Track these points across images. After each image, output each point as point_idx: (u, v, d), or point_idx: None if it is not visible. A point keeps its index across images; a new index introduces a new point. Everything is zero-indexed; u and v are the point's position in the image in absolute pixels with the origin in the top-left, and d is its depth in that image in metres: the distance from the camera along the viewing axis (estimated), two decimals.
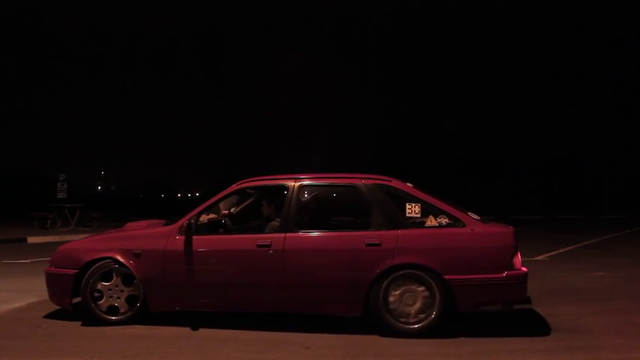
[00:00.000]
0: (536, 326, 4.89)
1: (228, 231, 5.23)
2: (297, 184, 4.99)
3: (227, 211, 5.62)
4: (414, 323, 4.62)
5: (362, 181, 4.96)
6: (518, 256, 4.69)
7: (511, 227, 4.85)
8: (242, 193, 5.50)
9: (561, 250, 11.01)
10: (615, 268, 8.42)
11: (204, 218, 5.23)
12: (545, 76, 42.05)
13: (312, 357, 4.14)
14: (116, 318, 4.95)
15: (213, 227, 5.22)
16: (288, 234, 4.80)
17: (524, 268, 4.71)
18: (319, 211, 5.13)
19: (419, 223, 4.82)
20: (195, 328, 4.83)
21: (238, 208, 5.67)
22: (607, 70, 32.99)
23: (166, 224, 5.22)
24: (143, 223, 5.73)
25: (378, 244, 4.66)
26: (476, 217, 4.88)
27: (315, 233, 4.86)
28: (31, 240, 12.99)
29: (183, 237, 4.89)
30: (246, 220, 5.68)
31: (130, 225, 5.74)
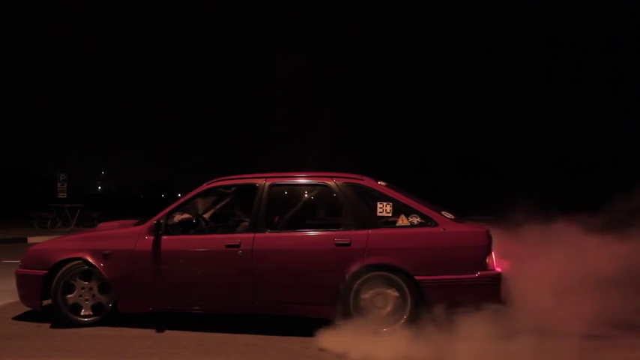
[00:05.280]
0: None
1: (199, 231, 5.16)
2: (267, 183, 4.92)
3: (205, 211, 5.58)
4: (386, 325, 4.53)
5: (333, 180, 4.88)
6: (492, 256, 4.60)
7: (485, 227, 4.75)
8: (213, 193, 5.44)
9: None
10: None
11: (177, 218, 5.18)
12: (545, 76, 41.94)
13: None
14: (86, 320, 4.91)
15: (184, 227, 5.16)
16: (257, 234, 4.73)
17: (498, 269, 4.62)
18: (289, 210, 5.06)
19: (390, 223, 4.73)
20: (195, 329, 4.79)
21: (216, 208, 5.61)
22: (607, 70, 32.86)
23: (137, 224, 5.15)
24: (116, 223, 5.68)
25: (348, 244, 4.58)
26: (450, 216, 4.79)
27: (285, 233, 4.79)
28: (31, 240, 12.98)
29: (152, 237, 4.83)
30: (225, 220, 5.62)
31: (102, 225, 5.70)
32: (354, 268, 4.53)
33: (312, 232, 4.76)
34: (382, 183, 5.00)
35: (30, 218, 16.20)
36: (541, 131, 39.94)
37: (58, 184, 17.31)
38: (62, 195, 17.10)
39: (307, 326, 4.70)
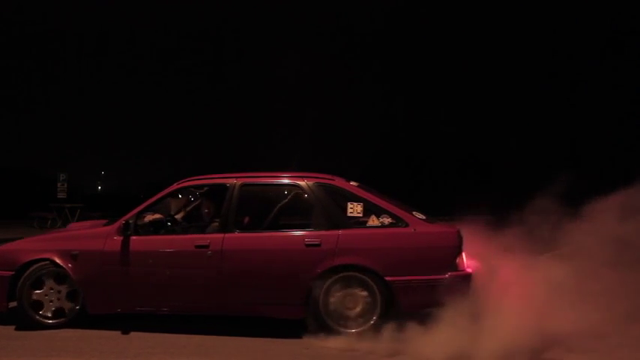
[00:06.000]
0: None
1: (169, 231, 5.11)
2: (238, 183, 4.87)
3: (178, 212, 5.53)
4: (355, 327, 4.48)
5: (304, 179, 4.83)
6: (463, 257, 4.55)
7: (456, 227, 4.71)
8: (186, 193, 5.39)
9: None
10: None
11: (149, 218, 5.13)
12: (545, 76, 41.76)
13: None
14: (53, 321, 4.84)
15: (155, 227, 5.10)
16: (226, 234, 4.68)
17: (469, 269, 4.56)
18: (260, 210, 5.01)
19: (361, 223, 4.68)
20: (194, 330, 4.75)
21: (187, 210, 5.56)
22: (608, 71, 32.72)
23: (106, 224, 5.10)
24: (88, 223, 5.62)
25: (318, 245, 4.53)
26: (421, 216, 4.74)
27: (255, 234, 4.74)
28: None
29: (121, 238, 4.78)
30: (198, 221, 5.56)
31: (73, 225, 5.65)
32: (324, 268, 4.49)
33: (282, 233, 4.72)
34: (354, 183, 4.95)
35: (30, 218, 16.16)
36: (541, 131, 39.82)
37: (58, 184, 17.29)
38: (62, 195, 17.07)
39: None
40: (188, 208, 5.63)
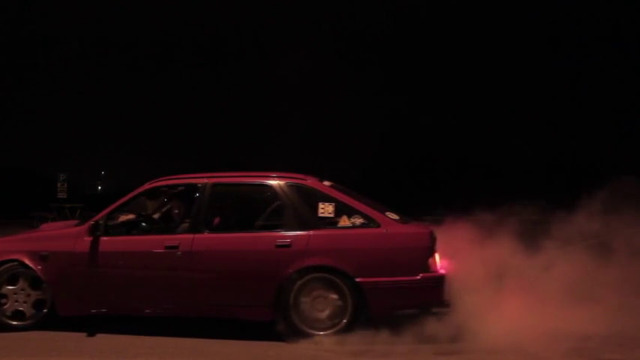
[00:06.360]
0: None
1: (139, 232, 5.04)
2: (209, 183, 4.81)
3: (155, 212, 5.47)
4: (326, 329, 4.42)
5: (275, 179, 4.77)
6: (435, 258, 4.48)
7: (429, 228, 4.64)
8: (159, 193, 5.34)
9: None
10: None
11: (123, 218, 5.09)
12: (545, 76, 41.60)
13: None
14: (21, 323, 4.77)
15: (127, 228, 5.04)
16: (196, 235, 4.62)
17: (442, 270, 4.50)
18: (231, 211, 4.96)
19: (333, 224, 4.62)
20: (194, 331, 4.71)
21: (162, 210, 5.50)
22: (608, 70, 32.58)
23: (78, 225, 5.05)
24: (60, 224, 5.57)
25: (288, 246, 4.47)
26: (394, 217, 4.68)
27: (225, 234, 4.69)
28: None
29: (90, 238, 4.73)
30: (172, 221, 5.50)
31: (45, 226, 5.59)
32: (294, 269, 4.43)
33: (252, 233, 4.66)
34: (327, 183, 4.89)
35: (30, 218, 16.11)
36: (541, 132, 39.67)
37: (58, 184, 17.26)
38: (62, 195, 17.03)
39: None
40: (164, 209, 5.57)
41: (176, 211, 5.17)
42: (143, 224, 5.19)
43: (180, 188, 5.24)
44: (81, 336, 4.61)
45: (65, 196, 17.06)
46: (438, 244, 4.63)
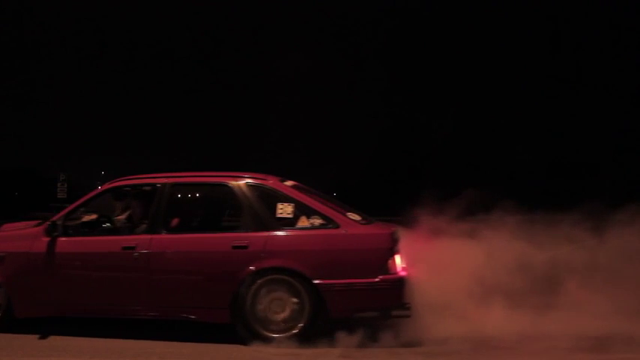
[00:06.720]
0: None
1: (98, 232, 4.97)
2: (167, 183, 4.74)
3: (122, 212, 5.41)
4: (283, 331, 4.34)
5: (234, 179, 4.69)
6: (395, 260, 4.38)
7: (390, 229, 4.55)
8: (122, 193, 5.27)
9: None
10: None
11: (87, 218, 5.02)
12: (545, 76, 41.38)
13: None
14: None
15: (88, 228, 4.97)
16: (154, 236, 4.55)
17: (402, 273, 4.40)
18: (190, 211, 4.89)
19: (291, 225, 4.53)
20: (193, 332, 4.65)
21: (127, 212, 5.42)
22: (608, 71, 32.40)
23: (37, 225, 4.98)
24: (22, 224, 5.49)
25: (245, 247, 4.39)
26: (356, 217, 4.59)
27: (183, 235, 4.62)
28: None
29: (48, 239, 4.66)
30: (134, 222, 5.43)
31: (6, 226, 5.51)
32: (251, 271, 4.35)
33: (209, 234, 4.58)
34: (289, 183, 4.82)
35: (30, 218, 16.15)
36: (541, 132, 39.49)
37: (58, 184, 17.27)
38: (62, 195, 17.04)
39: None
40: (129, 210, 5.50)
41: (135, 211, 5.09)
42: (106, 224, 5.15)
43: (142, 188, 5.16)
44: (81, 336, 4.60)
45: (65, 196, 17.06)
46: (403, 246, 4.57)
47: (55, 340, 4.53)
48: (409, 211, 6.21)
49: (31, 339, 4.54)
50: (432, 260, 5.19)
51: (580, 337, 4.29)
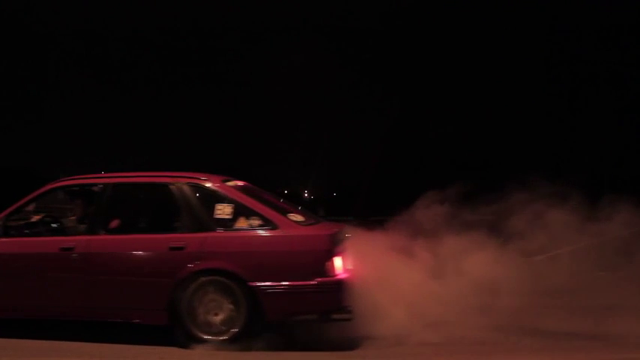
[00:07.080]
0: None
1: (39, 233, 4.92)
2: (109, 183, 4.69)
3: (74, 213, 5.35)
4: (219, 334, 4.27)
5: (174, 179, 4.63)
6: (334, 262, 4.29)
7: (332, 230, 4.47)
8: (71, 193, 5.23)
9: None
10: None
11: (35, 219, 4.98)
12: (545, 76, 41.18)
13: None
14: None
15: (31, 229, 4.91)
16: (93, 237, 4.51)
17: (342, 275, 4.32)
18: (131, 212, 4.82)
19: (229, 226, 4.46)
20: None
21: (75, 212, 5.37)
22: (607, 71, 32.18)
23: None
24: None
25: (182, 248, 4.33)
26: (297, 218, 4.51)
27: (121, 236, 4.56)
28: None
29: None
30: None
31: None
32: (188, 273, 4.29)
33: (146, 235, 4.53)
34: (231, 184, 4.75)
35: None
36: (540, 132, 39.25)
37: None
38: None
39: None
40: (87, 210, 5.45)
41: (78, 211, 5.04)
42: (53, 225, 5.09)
43: (89, 188, 5.10)
44: (81, 337, 4.59)
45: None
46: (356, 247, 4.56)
47: (55, 341, 4.53)
48: (402, 211, 6.21)
49: (31, 339, 4.56)
50: (390, 263, 5.14)
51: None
